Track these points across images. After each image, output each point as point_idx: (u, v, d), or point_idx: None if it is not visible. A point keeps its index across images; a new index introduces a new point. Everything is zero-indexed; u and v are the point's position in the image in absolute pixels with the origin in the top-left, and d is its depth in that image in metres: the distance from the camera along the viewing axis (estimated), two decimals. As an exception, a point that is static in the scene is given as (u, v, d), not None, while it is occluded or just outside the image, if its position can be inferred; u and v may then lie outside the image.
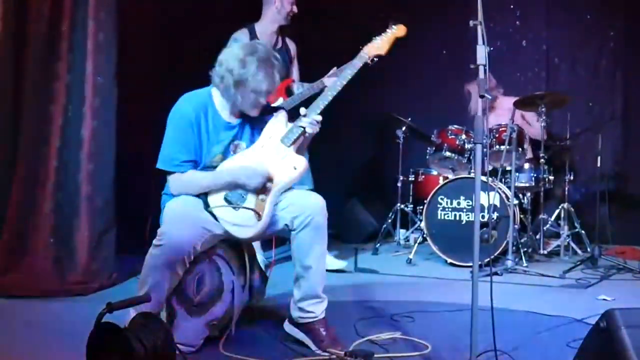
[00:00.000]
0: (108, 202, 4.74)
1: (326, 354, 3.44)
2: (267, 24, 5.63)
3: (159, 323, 3.02)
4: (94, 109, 4.62)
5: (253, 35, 5.53)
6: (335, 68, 5.15)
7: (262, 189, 3.51)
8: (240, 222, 3.48)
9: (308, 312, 3.60)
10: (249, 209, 3.48)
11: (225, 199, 3.50)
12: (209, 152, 3.61)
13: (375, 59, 4.06)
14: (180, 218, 3.39)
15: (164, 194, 3.66)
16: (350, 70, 3.88)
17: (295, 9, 5.61)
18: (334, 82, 3.81)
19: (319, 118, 3.66)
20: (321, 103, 3.73)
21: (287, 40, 5.80)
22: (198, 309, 3.45)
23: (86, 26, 4.64)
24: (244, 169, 3.54)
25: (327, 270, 5.27)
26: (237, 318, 3.68)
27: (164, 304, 3.44)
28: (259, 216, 3.47)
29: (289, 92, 5.53)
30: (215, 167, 3.61)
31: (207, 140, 3.60)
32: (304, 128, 3.63)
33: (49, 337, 3.70)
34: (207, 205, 3.50)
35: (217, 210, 3.48)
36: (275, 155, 3.60)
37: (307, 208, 3.53)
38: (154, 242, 3.32)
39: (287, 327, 3.70)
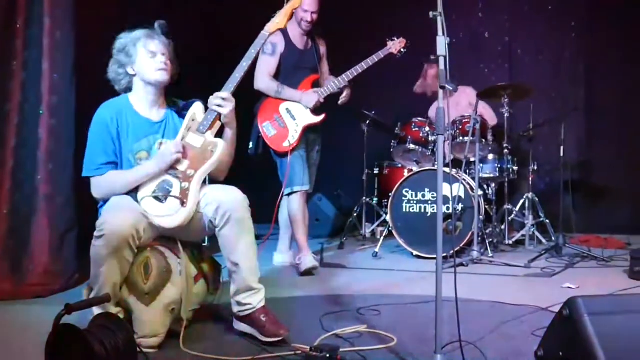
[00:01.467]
0: (69, 202, 4.66)
1: (274, 338, 3.46)
2: (295, 27, 5.75)
3: (120, 323, 2.98)
4: (52, 108, 4.55)
5: (286, 37, 5.72)
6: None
7: (185, 177, 3.54)
8: (166, 212, 3.50)
9: (245, 304, 3.60)
10: (173, 197, 3.50)
11: (153, 196, 3.52)
12: (131, 150, 3.66)
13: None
14: (117, 207, 3.43)
15: (99, 207, 3.68)
16: (253, 49, 3.85)
17: (308, 17, 5.67)
18: (240, 63, 3.80)
19: (224, 95, 3.66)
20: (231, 85, 3.74)
21: (317, 39, 5.94)
22: (151, 295, 3.39)
23: (42, 23, 4.56)
24: (154, 157, 3.61)
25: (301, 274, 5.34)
26: (196, 308, 3.70)
27: (118, 295, 3.42)
28: (183, 203, 3.49)
29: (315, 87, 5.68)
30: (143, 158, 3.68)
31: (127, 139, 3.67)
32: (215, 110, 3.66)
33: (7, 340, 3.63)
34: (136, 201, 3.54)
35: (143, 204, 3.51)
36: (194, 143, 3.62)
37: (225, 203, 3.54)
38: (95, 234, 3.30)
39: (235, 323, 3.69)
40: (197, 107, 3.72)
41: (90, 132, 3.66)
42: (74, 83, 4.69)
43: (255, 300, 3.62)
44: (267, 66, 5.63)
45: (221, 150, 3.60)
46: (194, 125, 3.67)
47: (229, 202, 3.56)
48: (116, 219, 3.30)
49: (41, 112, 4.53)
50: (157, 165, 3.55)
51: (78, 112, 4.71)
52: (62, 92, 4.62)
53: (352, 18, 8.20)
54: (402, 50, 5.72)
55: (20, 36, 4.52)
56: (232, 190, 3.64)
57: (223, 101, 3.65)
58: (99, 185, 3.60)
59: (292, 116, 5.59)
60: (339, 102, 5.81)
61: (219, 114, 3.66)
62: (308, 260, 5.47)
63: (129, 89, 3.79)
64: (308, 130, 5.64)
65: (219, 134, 3.72)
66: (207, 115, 3.67)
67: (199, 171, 3.56)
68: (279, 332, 3.49)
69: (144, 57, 3.69)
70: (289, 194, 5.58)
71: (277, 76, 5.68)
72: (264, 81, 5.59)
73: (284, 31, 5.62)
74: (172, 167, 3.56)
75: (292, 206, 5.60)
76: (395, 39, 5.72)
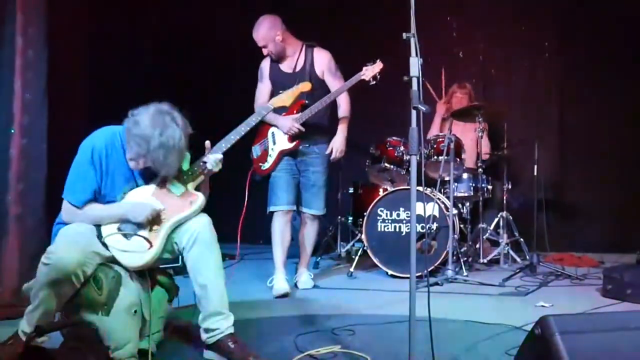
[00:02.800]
0: (40, 223, 4.62)
1: None
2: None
3: (92, 345, 2.97)
4: (23, 127, 4.52)
5: (274, 62, 5.68)
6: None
7: (156, 221, 3.53)
8: (131, 249, 3.47)
9: (213, 329, 3.58)
10: (141, 236, 3.47)
11: (119, 229, 3.50)
12: (115, 187, 3.60)
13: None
14: (72, 240, 3.37)
15: (57, 224, 3.64)
16: (254, 118, 4.01)
17: (265, 51, 5.60)
18: (238, 127, 3.92)
19: (219, 157, 3.72)
20: (224, 145, 3.81)
21: (315, 55, 5.73)
22: (109, 304, 3.33)
23: (14, 43, 4.53)
24: (133, 205, 3.55)
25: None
26: (164, 317, 3.74)
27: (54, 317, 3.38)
28: (150, 244, 3.47)
29: (302, 109, 5.55)
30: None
31: (115, 175, 3.60)
32: (206, 164, 3.69)
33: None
34: (100, 235, 3.49)
35: (109, 239, 3.47)
36: (174, 191, 3.63)
37: (191, 226, 3.57)
38: (42, 259, 3.27)
39: (205, 353, 3.65)
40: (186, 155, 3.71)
41: (78, 156, 3.57)
42: (45, 103, 4.67)
43: (223, 325, 3.60)
44: (258, 93, 5.69)
45: (200, 204, 3.61)
46: (179, 176, 3.65)
47: (195, 225, 3.57)
48: (66, 252, 3.25)
49: (12, 131, 4.50)
50: (131, 214, 3.50)
51: (50, 132, 4.69)
52: (33, 112, 4.59)
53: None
54: (377, 76, 5.50)
55: (-9, 55, 4.52)
56: (199, 214, 3.66)
57: (218, 161, 3.71)
58: (72, 212, 3.54)
59: (273, 140, 5.59)
60: None
61: (205, 170, 3.69)
62: (279, 285, 5.44)
63: None
64: (298, 152, 5.60)
65: None
66: (193, 166, 3.69)
67: (173, 219, 3.56)
68: (248, 359, 3.47)
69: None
70: (270, 213, 5.60)
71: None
72: (256, 108, 5.53)
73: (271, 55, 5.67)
74: None
75: (272, 225, 5.60)
76: (370, 64, 5.54)
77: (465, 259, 6.28)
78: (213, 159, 3.70)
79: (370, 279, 6.12)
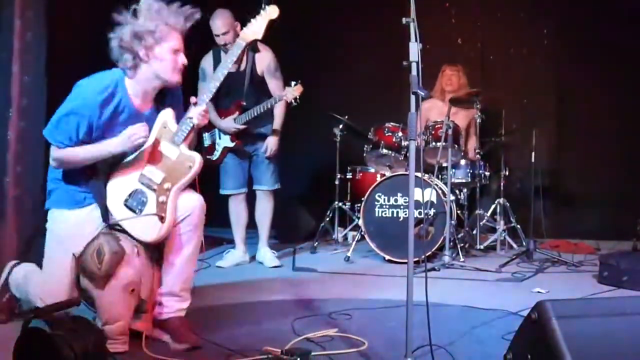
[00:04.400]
0: (37, 206, 4.59)
1: (184, 344, 3.47)
2: None
3: (89, 326, 2.96)
4: (22, 110, 4.53)
5: (216, 59, 5.73)
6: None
7: (161, 190, 3.50)
8: (145, 227, 3.48)
9: (166, 306, 3.62)
10: (151, 214, 3.47)
11: (125, 205, 3.49)
12: (114, 135, 3.52)
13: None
14: (49, 280, 3.48)
15: (49, 176, 3.71)
16: (230, 58, 3.85)
17: (221, 40, 5.58)
18: (215, 73, 3.81)
19: (203, 107, 3.63)
20: (206, 96, 3.72)
21: (259, 55, 5.83)
22: (106, 277, 3.30)
23: (12, 25, 4.54)
24: (120, 136, 3.47)
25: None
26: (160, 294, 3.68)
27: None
28: (162, 218, 3.47)
29: (242, 110, 5.71)
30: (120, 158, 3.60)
31: (115, 125, 3.53)
32: (192, 119, 3.59)
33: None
34: (107, 219, 3.50)
35: (115, 212, 3.49)
36: (169, 154, 3.57)
37: (184, 204, 3.56)
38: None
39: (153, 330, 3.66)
40: (167, 114, 3.63)
41: (70, 101, 3.48)
42: (45, 85, 4.66)
43: (175, 306, 3.64)
44: (199, 92, 5.63)
45: (198, 167, 3.56)
46: (166, 133, 3.58)
47: (189, 204, 3.57)
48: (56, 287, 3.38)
49: (10, 114, 4.50)
50: (122, 146, 3.46)
51: (48, 115, 4.66)
52: (32, 95, 4.60)
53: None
54: (297, 97, 5.58)
55: (-12, 38, 4.51)
56: (194, 194, 3.64)
57: (203, 113, 3.62)
58: (59, 152, 3.50)
59: (219, 135, 5.87)
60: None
61: (193, 126, 3.60)
62: (232, 256, 5.94)
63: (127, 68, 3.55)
64: (243, 142, 5.82)
65: None
66: (181, 126, 3.59)
67: (176, 185, 3.53)
68: (190, 339, 3.50)
69: (167, 52, 3.51)
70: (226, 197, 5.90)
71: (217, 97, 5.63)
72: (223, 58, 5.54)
73: (215, 53, 5.75)
74: (147, 178, 3.51)
75: (228, 208, 5.92)
76: (292, 84, 5.60)
77: (462, 244, 6.30)
78: (197, 111, 3.60)
79: (368, 264, 6.12)
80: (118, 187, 3.54)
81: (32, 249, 4.58)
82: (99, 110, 3.44)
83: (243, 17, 4.04)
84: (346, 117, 7.21)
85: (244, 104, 5.73)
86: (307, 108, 6.55)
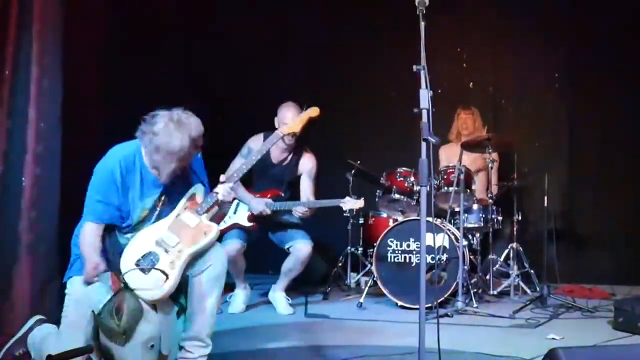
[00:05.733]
0: (51, 251, 4.63)
1: None
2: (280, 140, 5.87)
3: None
4: (37, 156, 4.55)
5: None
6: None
7: (173, 252, 3.61)
8: (148, 286, 3.53)
9: (189, 351, 3.70)
10: (158, 269, 3.54)
11: (137, 265, 3.57)
12: (135, 206, 3.73)
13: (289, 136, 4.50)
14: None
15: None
16: (265, 147, 4.19)
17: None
18: (251, 154, 4.02)
19: (230, 185, 3.84)
20: (236, 175, 3.94)
21: (304, 157, 6.09)
22: (126, 335, 3.35)
23: (29, 72, 4.58)
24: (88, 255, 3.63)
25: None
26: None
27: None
28: (166, 277, 3.52)
29: (275, 199, 5.88)
30: (141, 221, 3.76)
31: (135, 194, 3.72)
32: (217, 194, 3.79)
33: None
34: (119, 271, 3.56)
35: (127, 275, 3.52)
36: (189, 222, 3.71)
37: (207, 257, 3.69)
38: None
39: None
40: (198, 189, 3.84)
41: (95, 176, 3.71)
42: (60, 131, 4.70)
43: (198, 351, 3.72)
44: (233, 165, 5.82)
45: (214, 235, 3.70)
46: (192, 205, 3.77)
47: (212, 256, 3.70)
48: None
49: (26, 160, 4.54)
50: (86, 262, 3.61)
51: (63, 161, 4.72)
52: (48, 141, 4.62)
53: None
54: (353, 210, 6.14)
55: (7, 84, 4.54)
56: (219, 246, 3.81)
57: (230, 191, 3.81)
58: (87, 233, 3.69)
59: (234, 210, 5.95)
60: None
61: (217, 200, 3.78)
62: (237, 297, 5.98)
63: None
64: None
65: None
66: (207, 198, 3.80)
67: (189, 249, 3.64)
68: None
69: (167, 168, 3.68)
70: None
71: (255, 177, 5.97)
72: (226, 174, 5.64)
73: (266, 137, 5.79)
74: (163, 241, 3.63)
75: None
76: (353, 199, 5.95)
77: (475, 290, 6.26)
78: (224, 188, 3.79)
79: (380, 309, 6.10)
80: (134, 249, 3.64)
81: (46, 294, 4.61)
82: (120, 180, 3.69)
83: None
84: (358, 162, 7.24)
85: (282, 194, 5.96)
86: (319, 153, 6.62)
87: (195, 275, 3.68)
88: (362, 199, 5.92)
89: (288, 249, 5.89)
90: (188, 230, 3.69)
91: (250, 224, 5.85)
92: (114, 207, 3.66)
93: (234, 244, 5.69)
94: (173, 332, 3.65)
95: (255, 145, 5.83)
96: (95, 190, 3.68)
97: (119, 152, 3.74)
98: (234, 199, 5.70)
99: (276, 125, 5.78)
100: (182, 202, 3.79)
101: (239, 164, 5.65)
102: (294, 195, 6.07)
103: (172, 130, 3.56)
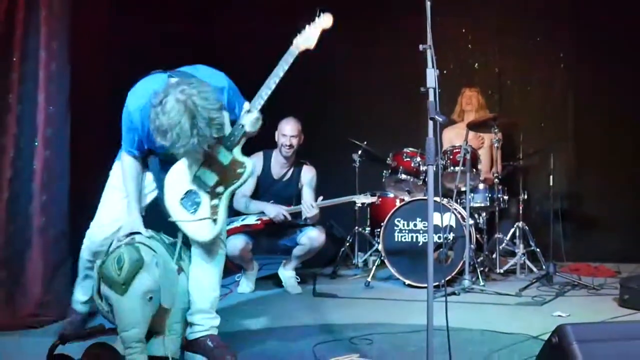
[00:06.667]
0: (62, 233, 4.64)
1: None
2: (278, 154, 6.04)
3: (112, 353, 3.00)
4: (46, 140, 4.56)
5: (266, 161, 6.06)
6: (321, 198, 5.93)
7: (214, 194, 3.60)
8: (199, 228, 3.60)
9: (197, 324, 3.72)
10: (204, 219, 3.57)
11: (181, 204, 3.60)
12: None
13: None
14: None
15: None
16: (282, 67, 3.77)
17: (287, 141, 5.90)
18: (267, 80, 3.72)
19: (256, 115, 3.64)
20: (257, 102, 3.69)
21: (304, 169, 6.15)
22: (125, 284, 3.36)
23: (38, 57, 4.58)
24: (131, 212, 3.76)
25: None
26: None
27: None
28: (214, 222, 3.58)
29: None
30: None
31: None
32: (244, 127, 3.63)
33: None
34: (168, 215, 3.64)
35: (172, 210, 3.61)
36: (222, 159, 3.64)
37: None
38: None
39: (185, 354, 3.74)
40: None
41: (123, 113, 3.68)
42: (68, 115, 4.70)
43: (209, 323, 3.73)
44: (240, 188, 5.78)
45: (250, 171, 3.66)
46: (221, 139, 3.59)
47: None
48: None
49: (36, 144, 4.55)
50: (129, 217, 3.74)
51: (72, 144, 4.73)
52: (56, 125, 4.63)
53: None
54: (364, 203, 6.46)
55: (16, 70, 4.55)
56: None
57: (256, 120, 3.65)
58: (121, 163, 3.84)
59: (242, 218, 5.90)
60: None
61: (245, 133, 3.64)
62: (245, 278, 5.98)
63: None
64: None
65: None
66: (234, 130, 3.63)
67: (228, 190, 3.64)
68: (225, 357, 3.58)
69: None
70: None
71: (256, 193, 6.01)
72: (236, 200, 5.85)
73: (266, 155, 6.01)
74: (200, 180, 3.62)
75: None
76: (364, 195, 6.15)
77: (482, 268, 6.26)
78: (250, 119, 3.63)
79: (388, 288, 6.11)
80: (174, 185, 3.65)
81: (57, 276, 4.62)
82: (140, 124, 3.62)
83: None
84: (365, 142, 7.25)
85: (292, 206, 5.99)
86: (326, 134, 6.62)
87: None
88: (376, 195, 6.23)
89: (301, 239, 5.90)
90: (222, 167, 3.63)
91: (257, 222, 5.82)
92: (137, 141, 3.70)
93: (239, 240, 5.70)
94: (173, 288, 3.62)
95: (256, 162, 5.91)
96: (124, 131, 3.72)
97: (141, 93, 3.61)
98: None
99: (276, 139, 5.93)
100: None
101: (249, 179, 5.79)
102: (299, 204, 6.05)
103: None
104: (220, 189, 3.62)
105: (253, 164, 5.56)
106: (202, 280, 3.72)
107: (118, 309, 3.37)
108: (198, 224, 3.60)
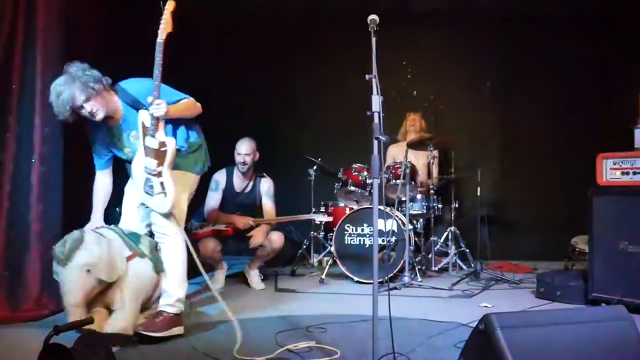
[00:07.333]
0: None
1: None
2: (237, 170, 6.03)
3: (101, 342, 2.98)
4: (42, 157, 4.51)
5: (229, 177, 6.05)
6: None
7: (158, 173, 3.86)
8: (157, 203, 3.92)
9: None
10: (158, 194, 3.89)
11: (144, 191, 3.94)
12: (118, 150, 4.17)
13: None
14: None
15: None
16: (158, 57, 3.80)
17: (241, 159, 5.92)
18: (154, 73, 3.80)
19: (156, 101, 3.81)
20: (155, 92, 3.82)
21: (260, 180, 6.13)
22: (66, 259, 3.67)
23: (34, 84, 4.53)
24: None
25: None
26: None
27: None
28: (165, 194, 3.88)
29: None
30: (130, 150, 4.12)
31: (112, 143, 4.13)
32: (152, 114, 3.82)
33: (4, 359, 3.59)
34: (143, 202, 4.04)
35: (147, 203, 3.99)
36: (152, 145, 3.87)
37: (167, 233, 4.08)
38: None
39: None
40: (143, 115, 3.88)
41: None
42: (62, 135, 4.65)
43: (162, 301, 4.07)
44: (210, 200, 5.99)
45: (173, 146, 3.87)
46: (146, 130, 3.86)
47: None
48: None
49: (33, 160, 4.50)
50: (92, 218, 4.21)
51: (65, 161, 4.69)
52: (51, 143, 4.57)
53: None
54: (322, 222, 6.82)
55: (15, 95, 4.50)
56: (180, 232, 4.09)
57: (159, 107, 3.81)
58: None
59: (212, 223, 5.91)
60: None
61: (154, 116, 3.83)
62: (217, 275, 5.95)
63: None
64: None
65: None
66: (150, 120, 3.83)
67: (164, 166, 3.85)
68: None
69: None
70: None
71: (223, 204, 6.03)
72: (207, 212, 5.95)
73: (228, 171, 6.03)
74: (148, 168, 3.88)
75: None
76: (322, 215, 6.49)
77: (420, 267, 6.31)
78: (153, 107, 3.80)
79: (339, 284, 6.11)
80: (137, 179, 3.98)
81: (52, 276, 4.56)
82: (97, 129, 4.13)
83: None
84: (319, 159, 7.27)
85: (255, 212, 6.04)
86: (286, 152, 6.62)
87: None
88: (331, 216, 6.44)
89: (264, 242, 5.86)
90: (155, 151, 3.86)
91: (227, 228, 5.81)
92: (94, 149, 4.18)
93: (210, 243, 5.70)
94: (115, 266, 3.83)
95: (221, 178, 6.00)
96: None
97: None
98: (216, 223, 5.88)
99: (235, 158, 5.95)
100: (141, 132, 3.90)
101: (212, 195, 5.98)
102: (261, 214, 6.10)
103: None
104: (159, 168, 3.84)
105: (216, 180, 5.92)
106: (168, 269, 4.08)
107: (62, 279, 3.66)
108: (155, 199, 3.90)
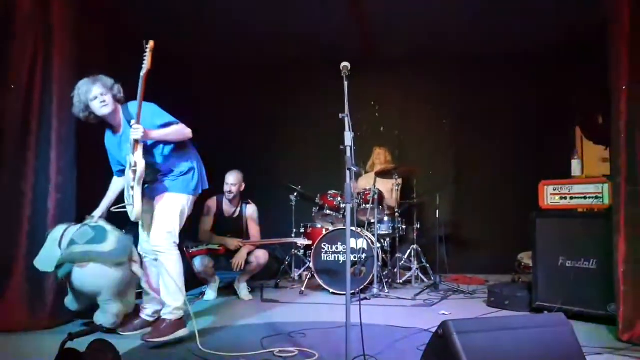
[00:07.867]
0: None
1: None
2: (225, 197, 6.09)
3: (110, 347, 3.01)
4: (57, 186, 4.53)
5: (219, 204, 6.07)
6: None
7: (131, 188, 3.96)
8: (130, 212, 4.02)
9: (144, 308, 4.44)
10: (129, 204, 4.02)
11: (126, 201, 4.06)
12: (122, 158, 4.20)
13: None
14: None
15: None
16: (141, 89, 3.81)
17: (228, 188, 5.98)
18: (138, 101, 3.84)
19: (136, 127, 3.86)
20: (135, 119, 3.88)
21: (246, 206, 6.18)
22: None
23: (51, 123, 4.55)
24: None
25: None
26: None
27: None
28: (132, 206, 3.98)
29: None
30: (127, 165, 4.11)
31: (119, 149, 4.20)
32: (131, 136, 3.90)
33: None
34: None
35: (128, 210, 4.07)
36: (131, 164, 3.98)
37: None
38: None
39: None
40: (132, 132, 3.92)
41: None
42: (75, 167, 4.67)
43: (151, 308, 4.39)
44: (203, 224, 6.03)
45: (142, 167, 3.90)
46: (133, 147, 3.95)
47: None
48: None
49: (50, 189, 4.53)
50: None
51: (79, 189, 4.70)
52: (65, 174, 4.58)
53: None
54: (302, 245, 6.75)
55: (34, 133, 4.53)
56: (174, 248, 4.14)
57: (136, 131, 3.85)
58: None
59: (206, 244, 5.94)
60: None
61: (135, 141, 3.89)
62: (211, 288, 5.97)
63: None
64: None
65: None
66: (131, 141, 3.91)
67: (135, 181, 3.90)
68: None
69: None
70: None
71: (215, 227, 6.07)
72: (202, 234, 5.99)
73: (218, 198, 6.05)
74: (127, 182, 4.02)
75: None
76: (302, 239, 6.36)
77: (386, 280, 6.31)
78: (133, 131, 3.86)
79: (317, 295, 6.09)
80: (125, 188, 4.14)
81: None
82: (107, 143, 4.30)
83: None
84: (299, 186, 7.32)
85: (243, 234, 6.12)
86: (270, 180, 6.65)
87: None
88: (310, 240, 6.37)
89: (250, 259, 5.91)
90: (131, 170, 3.96)
91: (219, 248, 5.85)
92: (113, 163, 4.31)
93: (205, 260, 5.74)
94: (52, 256, 4.15)
95: (213, 205, 6.03)
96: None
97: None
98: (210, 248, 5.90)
99: (224, 187, 5.99)
100: (129, 146, 3.97)
101: (205, 219, 6.01)
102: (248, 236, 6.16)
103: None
104: (132, 183, 3.92)
105: (208, 206, 5.98)
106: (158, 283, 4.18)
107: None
108: (129, 208, 4.01)
